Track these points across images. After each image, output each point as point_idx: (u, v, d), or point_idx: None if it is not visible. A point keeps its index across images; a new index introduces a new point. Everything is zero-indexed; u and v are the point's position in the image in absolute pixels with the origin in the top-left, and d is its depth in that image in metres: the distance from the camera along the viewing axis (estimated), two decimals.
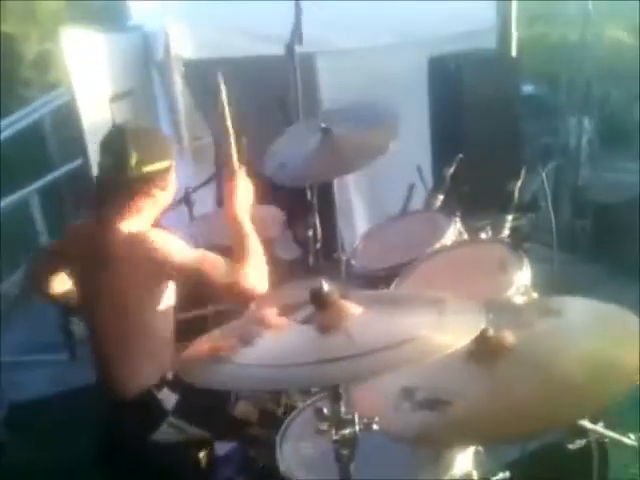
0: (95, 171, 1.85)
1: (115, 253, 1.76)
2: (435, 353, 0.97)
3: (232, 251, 1.86)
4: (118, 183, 1.77)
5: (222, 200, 2.13)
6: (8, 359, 3.54)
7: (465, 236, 2.04)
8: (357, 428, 1.06)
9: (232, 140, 2.01)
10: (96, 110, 3.45)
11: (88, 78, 3.36)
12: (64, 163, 4.81)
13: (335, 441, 1.06)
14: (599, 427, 1.52)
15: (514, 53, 3.71)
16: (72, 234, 1.98)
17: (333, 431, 1.06)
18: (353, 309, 1.09)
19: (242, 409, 1.92)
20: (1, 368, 3.34)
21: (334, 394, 1.04)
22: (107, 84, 3.56)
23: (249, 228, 1.88)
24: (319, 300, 1.07)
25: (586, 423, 1.48)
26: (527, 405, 1.25)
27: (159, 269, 1.75)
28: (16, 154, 5.26)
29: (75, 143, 5.34)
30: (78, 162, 4.68)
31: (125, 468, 1.88)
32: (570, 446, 1.75)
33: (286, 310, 1.17)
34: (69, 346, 3.75)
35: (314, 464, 1.48)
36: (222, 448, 1.99)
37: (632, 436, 1.47)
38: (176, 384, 1.86)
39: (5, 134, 4.44)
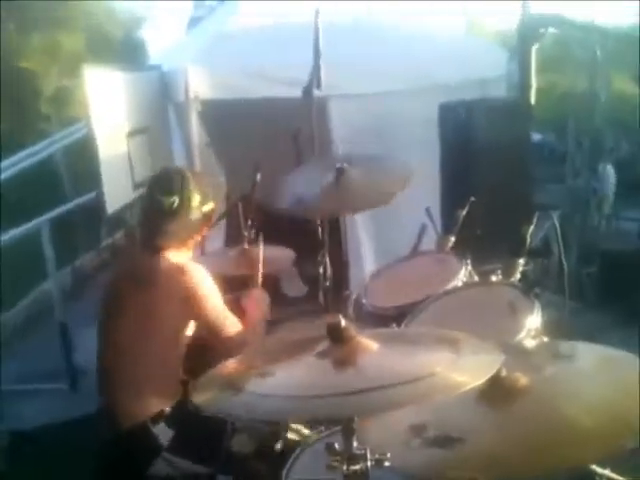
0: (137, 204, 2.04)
1: (158, 277, 1.87)
2: (450, 391, 0.98)
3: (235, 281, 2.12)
4: (177, 219, 1.93)
5: (230, 239, 2.32)
6: (8, 387, 3.53)
7: (476, 278, 2.05)
8: (369, 464, 1.05)
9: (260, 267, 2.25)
10: (113, 145, 3.53)
11: (106, 114, 3.44)
12: (77, 196, 4.89)
13: (346, 476, 1.06)
14: (607, 471, 1.50)
15: (532, 101, 3.78)
16: (121, 260, 2.11)
17: (344, 466, 1.05)
18: (369, 345, 1.10)
19: (239, 443, 1.91)
20: (1, 397, 3.34)
21: (347, 429, 1.05)
22: (124, 120, 3.65)
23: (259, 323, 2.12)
24: (336, 335, 1.08)
25: (595, 467, 1.47)
26: (536, 447, 1.24)
27: (192, 302, 1.86)
28: (31, 187, 5.36)
29: (88, 177, 5.47)
30: (91, 195, 4.77)
31: None
32: None
33: (302, 344, 1.19)
34: (70, 376, 3.75)
35: None
36: None
37: None
38: (173, 419, 1.88)
39: (22, 165, 4.53)
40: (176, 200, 1.92)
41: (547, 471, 1.28)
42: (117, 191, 3.60)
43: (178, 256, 1.94)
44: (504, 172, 3.54)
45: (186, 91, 3.72)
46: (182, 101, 3.81)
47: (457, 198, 3.45)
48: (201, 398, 1.04)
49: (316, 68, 2.55)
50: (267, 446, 1.84)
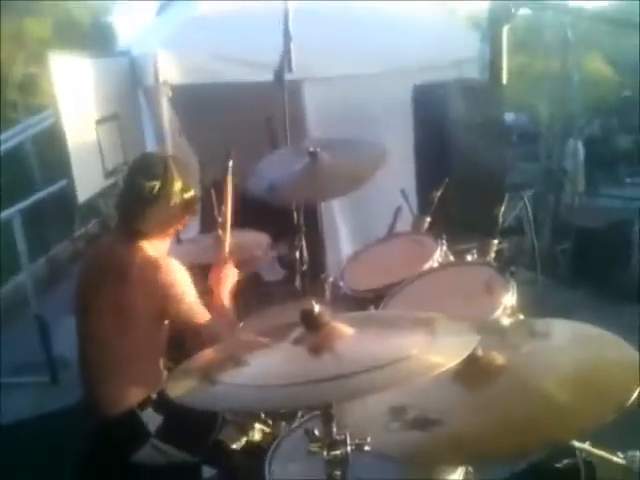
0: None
1: (133, 271, 1.83)
2: (426, 373, 0.98)
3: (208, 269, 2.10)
4: (158, 205, 1.89)
5: (205, 226, 2.27)
6: None
7: (451, 259, 2.06)
8: (349, 449, 1.05)
9: (228, 231, 2.20)
10: (82, 133, 3.46)
11: (74, 101, 3.37)
12: (46, 185, 4.79)
13: (327, 462, 1.06)
14: (587, 446, 1.53)
15: (504, 81, 3.79)
16: (94, 250, 2.08)
17: (325, 452, 1.05)
18: (344, 330, 1.10)
19: (227, 435, 1.91)
20: None
21: (326, 415, 1.04)
22: (93, 107, 3.58)
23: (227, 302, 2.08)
24: (310, 321, 1.08)
25: (574, 442, 1.49)
26: (514, 425, 1.25)
27: (165, 299, 1.84)
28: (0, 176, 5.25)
29: (59, 165, 5.36)
30: (62, 184, 4.69)
31: None
32: (558, 465, 1.77)
33: (276, 331, 1.18)
34: (50, 369, 3.71)
35: None
36: (208, 472, 1.97)
37: (620, 454, 1.48)
38: (161, 405, 1.86)
39: None
40: (157, 185, 1.88)
41: (526, 449, 1.30)
42: (88, 179, 3.54)
43: (155, 247, 1.91)
44: (478, 153, 3.55)
45: (156, 76, 3.66)
46: (152, 86, 3.75)
47: (432, 179, 3.46)
48: (175, 390, 1.03)
49: (287, 51, 2.51)
50: (254, 443, 1.84)
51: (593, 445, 1.63)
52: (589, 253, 4.15)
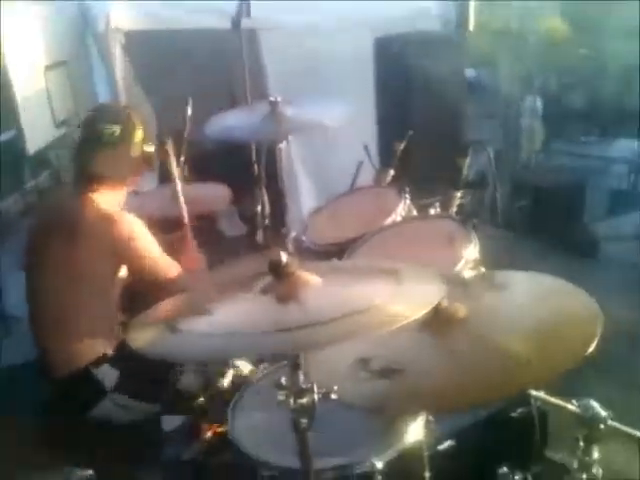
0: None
1: (86, 226, 1.79)
2: (392, 323, 0.97)
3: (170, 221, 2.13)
4: (116, 151, 1.85)
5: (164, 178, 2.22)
6: None
7: (414, 212, 2.06)
8: (315, 397, 1.05)
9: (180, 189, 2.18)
10: (30, 81, 3.30)
11: (21, 47, 3.19)
12: None
13: (293, 410, 1.06)
14: (542, 394, 1.58)
15: (471, 29, 3.75)
16: (46, 203, 2.01)
17: (291, 400, 1.05)
18: (311, 279, 1.09)
19: (186, 382, 1.90)
20: None
21: (293, 363, 1.04)
22: (41, 54, 3.40)
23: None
24: (277, 270, 1.06)
25: (531, 391, 1.54)
26: (476, 375, 1.28)
27: (122, 252, 1.81)
28: None
29: (4, 115, 5.10)
30: (9, 134, 4.47)
31: (70, 441, 1.82)
32: (513, 414, 1.83)
33: (241, 281, 1.16)
34: (2, 323, 3.61)
35: (267, 435, 1.48)
36: (169, 423, 1.96)
37: (575, 402, 1.53)
38: (117, 360, 1.84)
39: None
40: (117, 130, 1.83)
41: (487, 399, 1.33)
42: (38, 129, 3.40)
43: (108, 201, 1.85)
44: (439, 107, 3.55)
45: (107, 22, 3.49)
46: (103, 33, 3.58)
47: (394, 133, 3.45)
48: (136, 340, 1.00)
49: None
50: (213, 385, 1.84)
51: (548, 393, 1.68)
52: (545, 210, 4.23)
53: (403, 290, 1.08)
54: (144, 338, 1.01)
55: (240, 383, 1.82)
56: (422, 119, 3.52)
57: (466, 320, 1.37)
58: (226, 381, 1.87)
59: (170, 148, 2.18)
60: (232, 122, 2.22)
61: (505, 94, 4.61)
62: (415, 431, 1.48)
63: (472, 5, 2.25)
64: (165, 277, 1.85)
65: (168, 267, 1.87)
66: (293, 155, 3.73)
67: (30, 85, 3.31)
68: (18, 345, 3.45)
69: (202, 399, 1.88)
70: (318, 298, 1.06)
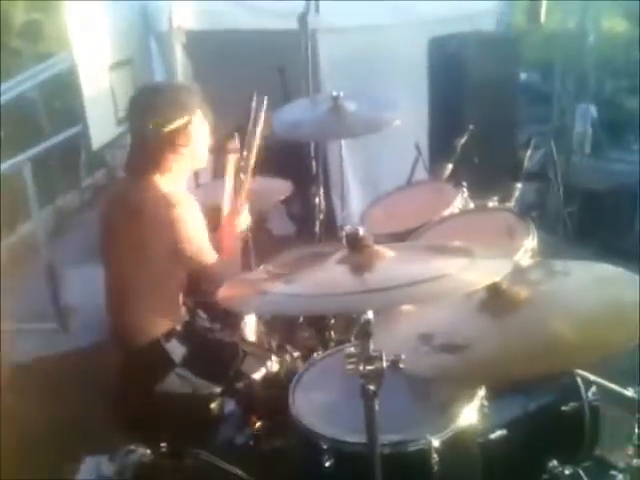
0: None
1: (147, 206, 1.85)
2: (463, 289, 1.01)
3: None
4: (145, 140, 1.88)
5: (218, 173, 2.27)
6: None
7: (472, 205, 2.09)
8: (384, 364, 1.10)
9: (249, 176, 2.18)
10: (95, 79, 3.44)
11: (88, 45, 3.33)
12: (54, 134, 4.77)
13: (362, 375, 1.10)
14: (600, 379, 1.59)
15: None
16: (113, 187, 2.07)
17: (361, 366, 1.10)
18: (385, 252, 1.13)
19: (249, 366, 1.96)
20: None
21: (364, 331, 1.09)
22: (107, 53, 3.54)
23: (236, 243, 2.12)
24: (354, 242, 1.11)
25: (589, 375, 1.55)
26: (531, 353, 1.31)
27: (178, 234, 1.85)
28: (4, 125, 5.20)
29: (66, 114, 5.32)
30: (73, 131, 4.66)
31: (132, 418, 1.93)
32: (564, 408, 1.83)
33: (317, 257, 1.21)
34: (59, 316, 3.76)
35: (326, 412, 1.54)
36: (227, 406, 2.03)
37: (631, 389, 1.53)
38: (185, 336, 1.92)
39: None
40: (135, 118, 1.91)
41: (541, 374, 1.36)
42: (101, 127, 3.53)
43: (170, 182, 1.91)
44: (491, 109, 3.55)
45: (170, 21, 3.61)
46: (165, 32, 3.70)
47: (445, 132, 3.47)
48: (230, 299, 1.07)
49: None
50: (273, 374, 1.90)
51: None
52: (595, 216, 4.17)
53: (474, 263, 1.12)
54: (235, 297, 1.08)
55: (295, 370, 1.89)
56: (474, 120, 3.53)
57: (525, 302, 1.40)
58: (282, 367, 1.95)
59: (236, 142, 2.23)
60: (297, 118, 2.28)
61: (559, 97, 4.56)
62: (469, 414, 1.51)
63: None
64: (204, 264, 1.91)
65: (209, 254, 1.92)
66: (343, 152, 3.78)
67: (96, 83, 3.44)
68: (78, 333, 3.62)
69: (260, 383, 1.96)
70: (392, 268, 1.10)
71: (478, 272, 1.10)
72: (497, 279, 1.08)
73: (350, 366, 1.12)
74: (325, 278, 1.11)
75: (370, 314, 1.08)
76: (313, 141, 2.48)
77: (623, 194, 4.24)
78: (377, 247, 1.14)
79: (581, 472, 1.88)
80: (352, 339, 2.12)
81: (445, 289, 1.03)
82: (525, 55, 4.32)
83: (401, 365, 1.11)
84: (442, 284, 1.02)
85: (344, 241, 1.13)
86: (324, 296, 1.02)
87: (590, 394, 1.86)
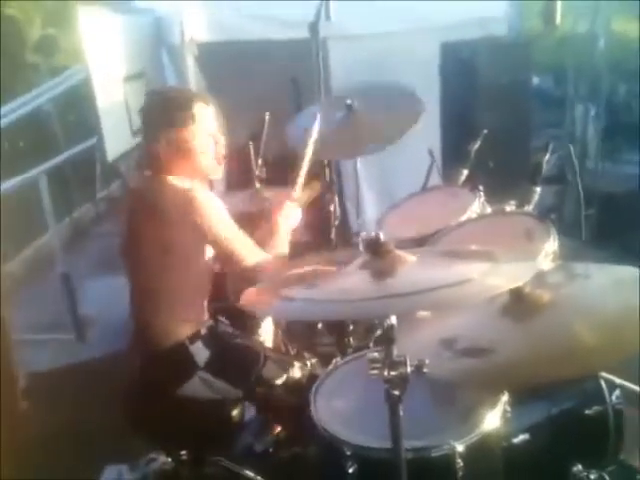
0: None
1: (165, 203, 1.84)
2: (489, 293, 1.01)
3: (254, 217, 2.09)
4: (151, 144, 1.90)
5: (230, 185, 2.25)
6: (15, 337, 3.55)
7: (489, 210, 2.08)
8: (409, 369, 1.10)
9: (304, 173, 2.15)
10: (110, 91, 3.47)
11: (103, 57, 3.37)
12: (69, 147, 4.82)
13: (387, 381, 1.10)
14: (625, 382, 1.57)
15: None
16: (130, 193, 2.09)
17: (385, 372, 1.09)
18: (407, 258, 1.13)
19: (270, 371, 1.97)
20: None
21: (387, 337, 1.09)
22: (121, 64, 3.58)
23: (284, 236, 2.05)
24: (374, 248, 1.11)
25: (614, 378, 1.54)
26: (554, 356, 1.30)
27: (201, 227, 1.82)
28: (20, 138, 5.27)
29: (80, 127, 5.38)
30: (88, 144, 4.72)
31: (153, 423, 1.92)
32: (587, 412, 1.81)
33: (337, 264, 1.21)
34: (76, 326, 3.79)
35: (348, 418, 1.54)
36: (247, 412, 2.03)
37: None
38: (210, 340, 1.92)
39: (11, 118, 4.43)
40: (184, 113, 1.88)
41: (564, 378, 1.35)
42: (116, 138, 3.56)
43: (183, 181, 1.90)
44: (505, 113, 3.54)
45: (182, 34, 3.65)
46: (177, 44, 3.74)
47: (457, 138, 3.47)
48: (256, 306, 1.07)
49: None
50: (294, 379, 1.90)
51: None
52: (612, 219, 4.14)
53: (497, 267, 1.12)
54: (261, 303, 1.08)
55: (315, 376, 1.88)
56: (486, 126, 3.52)
57: (546, 306, 1.39)
58: (302, 373, 1.95)
59: (251, 150, 2.24)
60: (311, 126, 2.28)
61: (571, 101, 4.54)
62: (493, 419, 1.51)
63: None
64: (241, 262, 1.87)
65: (249, 250, 1.88)
66: (355, 162, 3.79)
67: (110, 96, 3.47)
68: (94, 343, 3.64)
69: (280, 388, 1.96)
70: (414, 274, 1.10)
71: (502, 276, 1.09)
72: (521, 283, 1.07)
73: (374, 371, 1.12)
74: (347, 284, 1.11)
75: (393, 319, 1.08)
76: (326, 159, 2.44)
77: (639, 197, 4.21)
78: (398, 252, 1.13)
79: (606, 477, 1.86)
80: (371, 345, 2.13)
81: (469, 294, 1.02)
82: (537, 59, 4.31)
83: (425, 370, 1.10)
84: (466, 289, 1.02)
85: (363, 247, 1.13)
86: (347, 302, 1.02)
87: (614, 397, 1.84)
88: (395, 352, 1.10)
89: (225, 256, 1.89)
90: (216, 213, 1.85)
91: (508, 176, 2.56)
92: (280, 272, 1.66)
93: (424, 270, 1.14)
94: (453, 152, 3.36)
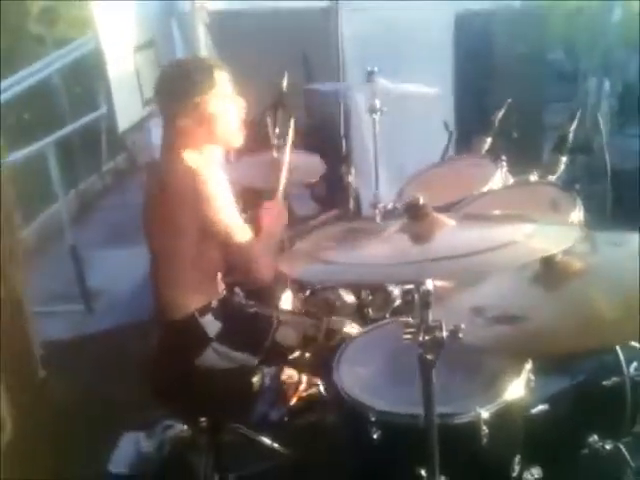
0: None
1: (173, 180, 1.84)
2: (533, 256, 1.00)
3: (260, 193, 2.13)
4: (170, 116, 1.89)
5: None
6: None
7: (511, 180, 2.06)
8: (444, 334, 1.10)
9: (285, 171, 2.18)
10: (121, 60, 3.42)
11: (113, 27, 3.32)
12: (74, 118, 4.78)
13: (421, 344, 1.10)
14: None
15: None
16: (148, 167, 2.08)
17: (420, 336, 1.09)
18: (447, 221, 1.12)
19: (284, 335, 1.97)
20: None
21: (424, 301, 1.08)
22: (131, 35, 3.53)
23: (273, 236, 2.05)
24: (414, 211, 1.10)
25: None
26: (585, 324, 1.29)
27: (202, 205, 1.83)
28: (29, 109, 5.23)
29: (86, 98, 5.32)
30: (95, 114, 4.68)
31: (169, 393, 1.94)
32: (605, 383, 1.82)
33: (374, 229, 1.20)
34: (84, 298, 3.80)
35: (372, 385, 1.55)
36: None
37: None
38: (220, 312, 1.93)
39: (16, 90, 4.38)
40: (200, 83, 1.86)
41: (592, 347, 1.34)
42: (127, 109, 3.52)
43: (197, 157, 1.88)
44: (519, 84, 3.50)
45: (192, 2, 3.59)
46: (187, 12, 3.68)
47: (471, 110, 3.44)
48: (295, 269, 1.07)
49: None
50: (310, 337, 1.91)
51: None
52: (624, 194, 4.11)
53: (541, 230, 1.11)
54: (299, 267, 1.08)
55: (335, 339, 1.90)
56: (500, 98, 3.48)
57: (578, 275, 1.38)
58: (321, 334, 1.95)
59: (269, 120, 2.22)
60: (330, 90, 2.25)
61: (584, 75, 4.49)
62: (518, 387, 1.51)
63: None
64: (236, 242, 1.87)
65: (242, 233, 1.89)
66: (365, 131, 3.74)
67: (121, 65, 3.42)
68: (103, 315, 3.66)
69: (298, 353, 1.96)
70: (456, 237, 1.09)
71: (546, 239, 1.08)
72: (568, 245, 1.06)
73: (408, 336, 1.11)
74: (385, 248, 1.10)
75: (430, 284, 1.07)
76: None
77: None
78: (437, 215, 1.12)
79: (622, 447, 1.88)
80: (387, 316, 2.14)
81: (513, 257, 1.01)
82: (550, 32, 4.24)
83: (460, 335, 1.10)
84: (510, 251, 1.01)
85: (403, 210, 1.12)
86: (385, 265, 1.01)
87: (632, 369, 1.85)
88: (430, 316, 1.09)
89: (220, 236, 1.89)
90: (217, 201, 1.84)
91: (523, 147, 2.54)
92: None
93: (464, 233, 1.13)
94: (467, 123, 3.33)
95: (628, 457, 1.87)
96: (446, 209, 1.94)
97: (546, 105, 4.01)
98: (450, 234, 1.11)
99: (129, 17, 3.52)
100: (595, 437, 1.84)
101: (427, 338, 1.09)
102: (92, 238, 4.56)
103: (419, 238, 1.09)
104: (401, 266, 1.01)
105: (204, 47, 3.69)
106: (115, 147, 5.66)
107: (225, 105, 1.90)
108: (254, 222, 2.04)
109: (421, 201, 1.10)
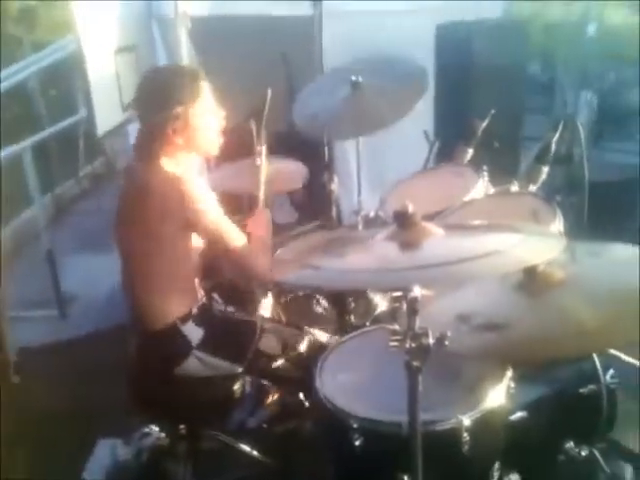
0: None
1: (153, 187, 1.82)
2: (517, 266, 1.01)
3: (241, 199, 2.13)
4: (149, 125, 1.88)
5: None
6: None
7: (492, 190, 2.08)
8: (431, 341, 1.10)
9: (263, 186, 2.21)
10: (101, 64, 3.40)
11: (94, 29, 3.29)
12: (52, 122, 4.72)
13: (408, 351, 1.10)
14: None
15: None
16: (124, 172, 2.05)
17: (407, 343, 1.10)
18: (434, 230, 1.13)
19: (266, 343, 1.97)
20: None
21: (411, 308, 1.09)
22: (112, 38, 3.50)
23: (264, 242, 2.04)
24: (402, 219, 1.10)
25: (621, 355, 1.56)
26: (566, 333, 1.31)
27: (185, 213, 1.82)
28: (2, 112, 5.14)
29: (64, 101, 5.26)
30: (76, 117, 4.62)
31: (149, 401, 1.93)
32: (582, 390, 1.85)
33: (363, 237, 1.20)
34: (59, 303, 3.74)
35: (354, 392, 1.55)
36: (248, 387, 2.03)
37: None
38: (201, 319, 1.91)
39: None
40: (179, 90, 1.85)
41: (575, 353, 1.36)
42: (106, 112, 3.49)
43: (175, 165, 1.88)
44: (498, 95, 3.54)
45: (175, 7, 3.57)
46: (168, 17, 3.66)
47: (451, 120, 3.48)
48: (284, 275, 1.06)
49: None
50: (292, 347, 1.90)
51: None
52: (601, 207, 4.16)
53: (526, 240, 1.12)
54: (289, 273, 1.07)
55: (317, 349, 1.89)
56: (480, 107, 3.52)
57: (559, 284, 1.40)
58: (303, 346, 1.95)
59: (253, 127, 2.22)
60: (314, 108, 2.25)
61: (561, 87, 4.56)
62: (499, 394, 1.53)
63: None
64: (230, 246, 1.87)
65: (235, 236, 1.88)
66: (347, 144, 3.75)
67: (101, 68, 3.39)
68: (77, 320, 3.61)
69: (280, 362, 1.96)
70: (443, 245, 1.10)
71: (530, 249, 1.10)
72: (552, 256, 1.08)
73: (394, 343, 1.12)
74: (373, 255, 1.10)
75: (417, 291, 1.08)
76: (334, 138, 2.42)
77: (628, 186, 4.24)
78: (425, 224, 1.13)
79: (596, 453, 1.91)
80: (367, 324, 2.14)
81: (497, 265, 1.02)
82: (530, 44, 4.30)
83: (447, 342, 1.11)
84: (494, 260, 1.02)
85: (392, 218, 1.12)
86: (373, 272, 1.01)
87: (608, 377, 1.88)
88: (417, 323, 1.10)
89: (214, 241, 1.89)
90: (204, 203, 1.83)
91: (499, 158, 2.57)
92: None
93: (452, 242, 1.14)
94: (447, 133, 3.36)
95: (602, 463, 1.90)
96: (430, 218, 1.98)
97: (525, 116, 4.05)
98: (437, 242, 1.12)
99: (110, 20, 3.49)
100: (571, 443, 1.87)
101: (414, 345, 1.09)
102: (67, 243, 4.50)
103: (407, 246, 1.09)
104: (389, 273, 1.01)
105: (186, 52, 3.67)
106: (93, 151, 5.60)
107: (205, 116, 1.89)
108: (242, 230, 2.03)
109: (410, 209, 1.10)
